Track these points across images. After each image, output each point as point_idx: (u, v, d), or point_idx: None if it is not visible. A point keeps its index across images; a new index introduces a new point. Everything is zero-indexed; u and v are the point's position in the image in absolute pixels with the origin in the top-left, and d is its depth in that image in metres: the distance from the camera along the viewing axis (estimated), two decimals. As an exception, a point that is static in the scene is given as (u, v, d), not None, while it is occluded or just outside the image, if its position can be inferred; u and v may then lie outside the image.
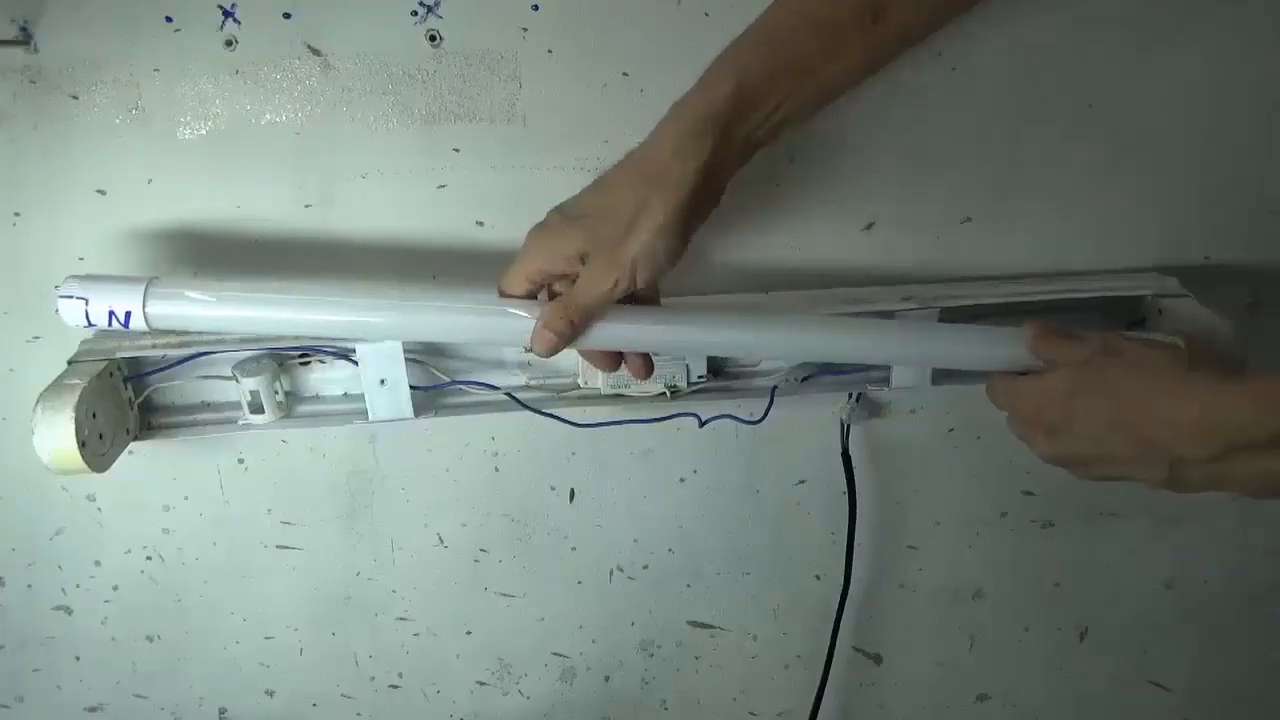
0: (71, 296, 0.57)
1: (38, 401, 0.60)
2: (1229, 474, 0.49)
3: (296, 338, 0.67)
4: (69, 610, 0.81)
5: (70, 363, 0.65)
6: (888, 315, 0.69)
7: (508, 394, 0.72)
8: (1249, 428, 0.47)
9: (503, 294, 0.58)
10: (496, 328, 0.59)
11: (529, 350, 0.57)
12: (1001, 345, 0.60)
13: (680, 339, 0.61)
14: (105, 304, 0.57)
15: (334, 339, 0.69)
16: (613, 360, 0.61)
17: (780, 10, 0.51)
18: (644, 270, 0.54)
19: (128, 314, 0.57)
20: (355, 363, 0.68)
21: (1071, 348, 0.58)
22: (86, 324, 0.58)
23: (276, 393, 0.70)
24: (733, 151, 0.52)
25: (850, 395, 0.75)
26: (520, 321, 0.57)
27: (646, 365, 0.62)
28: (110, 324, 0.57)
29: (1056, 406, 0.56)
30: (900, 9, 0.48)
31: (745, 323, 0.61)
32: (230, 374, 0.69)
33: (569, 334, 0.56)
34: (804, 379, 0.74)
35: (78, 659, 0.83)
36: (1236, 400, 0.48)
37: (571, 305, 0.55)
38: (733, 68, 0.50)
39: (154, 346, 0.66)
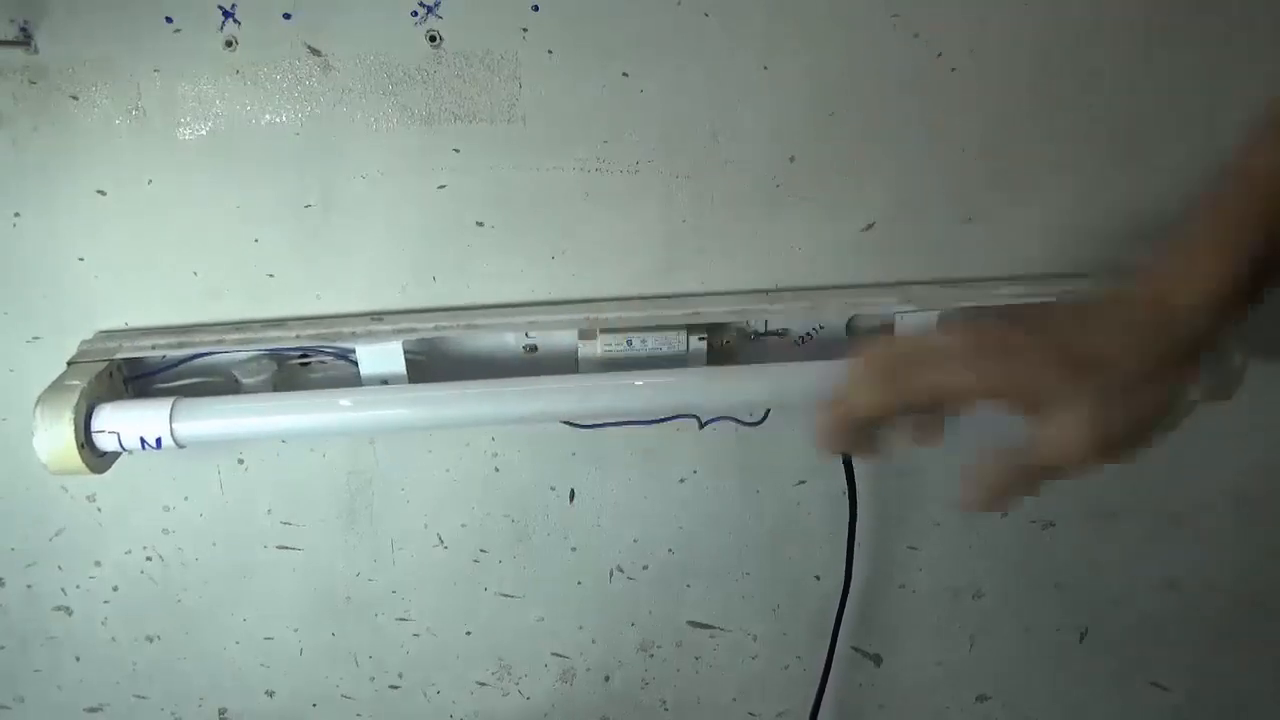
0: (103, 431, 0.61)
1: (37, 403, 0.60)
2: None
3: (296, 336, 0.67)
4: (69, 610, 0.81)
5: (70, 363, 0.65)
6: (888, 321, 0.69)
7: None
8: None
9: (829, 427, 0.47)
10: None
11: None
12: None
13: None
14: (136, 431, 0.61)
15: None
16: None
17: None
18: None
19: (158, 439, 0.61)
20: (355, 363, 0.68)
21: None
22: (122, 449, 0.62)
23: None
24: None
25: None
26: None
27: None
28: (144, 449, 0.62)
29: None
30: None
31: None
32: (230, 375, 0.69)
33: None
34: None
35: (78, 659, 0.83)
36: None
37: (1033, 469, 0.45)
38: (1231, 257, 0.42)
39: (154, 348, 0.66)
